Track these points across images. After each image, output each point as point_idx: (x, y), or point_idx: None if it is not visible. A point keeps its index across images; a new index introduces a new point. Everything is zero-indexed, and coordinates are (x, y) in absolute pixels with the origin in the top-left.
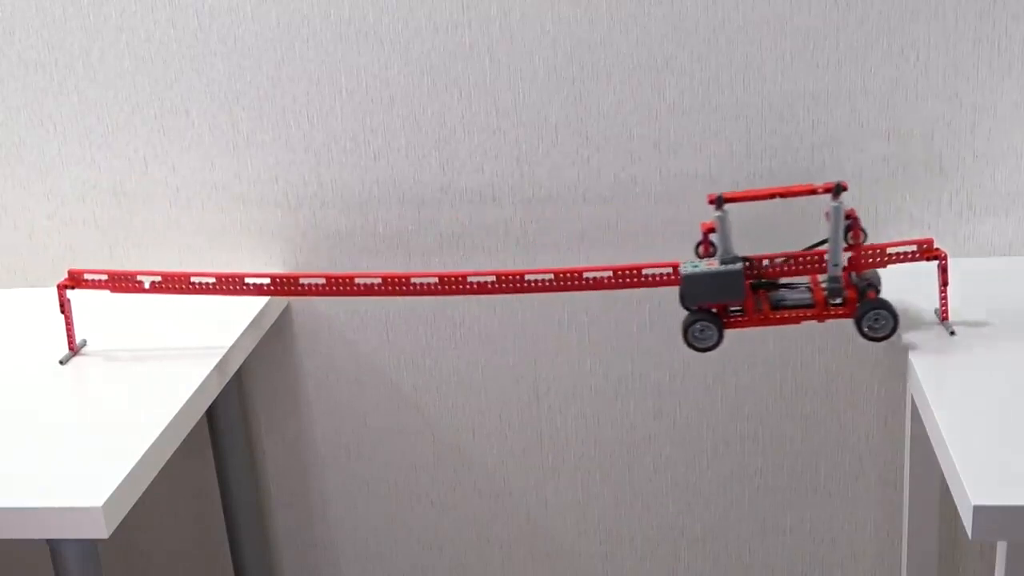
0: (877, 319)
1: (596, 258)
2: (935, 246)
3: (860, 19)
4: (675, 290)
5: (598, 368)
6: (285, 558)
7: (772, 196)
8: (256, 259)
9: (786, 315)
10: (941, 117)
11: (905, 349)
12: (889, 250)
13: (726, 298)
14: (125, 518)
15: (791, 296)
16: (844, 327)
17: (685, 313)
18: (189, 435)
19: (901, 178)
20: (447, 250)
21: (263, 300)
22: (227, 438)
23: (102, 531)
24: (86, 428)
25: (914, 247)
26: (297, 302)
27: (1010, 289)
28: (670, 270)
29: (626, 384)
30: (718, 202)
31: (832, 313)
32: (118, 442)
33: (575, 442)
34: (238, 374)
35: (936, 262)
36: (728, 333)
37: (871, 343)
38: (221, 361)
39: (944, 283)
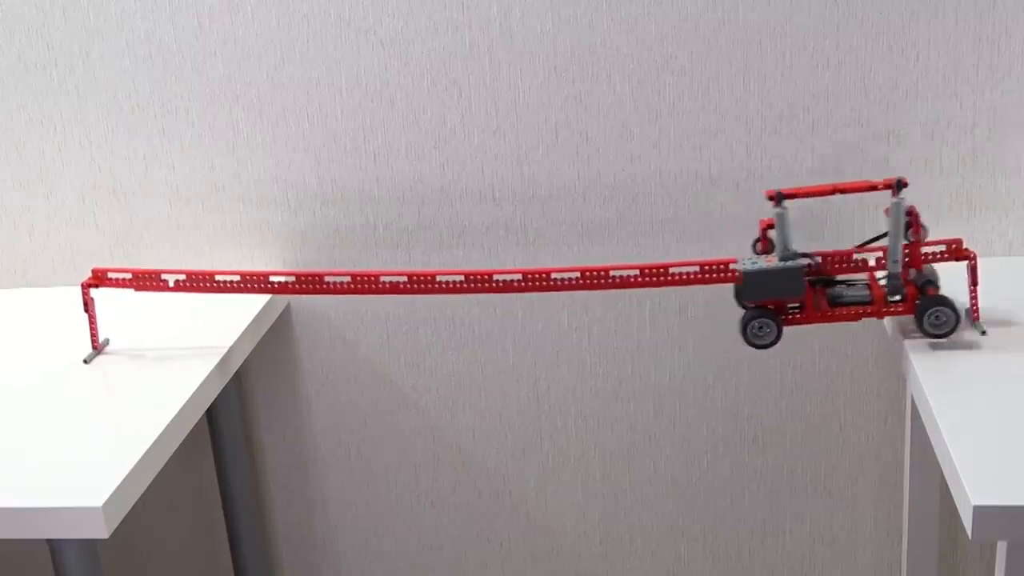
0: (939, 316)
1: (596, 258)
2: (964, 246)
3: (860, 19)
4: (675, 290)
5: (598, 368)
6: (285, 558)
7: (832, 192)
8: (256, 259)
9: (844, 312)
10: (941, 117)
11: (905, 349)
12: (919, 250)
13: (786, 295)
14: (125, 518)
15: (849, 293)
16: (844, 327)
17: (685, 314)
18: (189, 435)
19: None
20: (447, 250)
21: (263, 300)
22: (227, 438)
23: (102, 531)
24: (86, 428)
25: (943, 247)
26: (297, 302)
27: (1009, 290)
28: (697, 268)
29: (626, 384)
30: (777, 198)
31: (891, 310)
32: (118, 442)
33: (575, 442)
34: (238, 374)
35: (966, 262)
36: (726, 334)
37: (870, 344)
38: (221, 361)
39: (974, 283)
